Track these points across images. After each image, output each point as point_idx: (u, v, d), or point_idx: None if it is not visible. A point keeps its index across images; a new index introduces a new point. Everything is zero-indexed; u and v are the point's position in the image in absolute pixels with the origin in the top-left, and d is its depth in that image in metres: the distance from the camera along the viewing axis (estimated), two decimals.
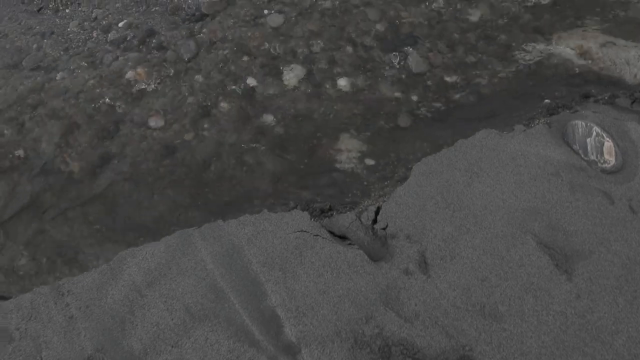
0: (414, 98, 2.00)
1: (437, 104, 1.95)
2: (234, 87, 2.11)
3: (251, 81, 2.14)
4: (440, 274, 1.38)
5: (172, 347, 1.42)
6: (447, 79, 2.01)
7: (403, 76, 2.04)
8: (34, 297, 1.61)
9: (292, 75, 2.14)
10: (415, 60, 2.08)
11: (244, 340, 1.41)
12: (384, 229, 1.53)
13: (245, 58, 2.18)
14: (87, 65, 2.24)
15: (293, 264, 1.51)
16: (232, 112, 2.04)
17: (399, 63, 2.08)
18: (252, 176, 1.86)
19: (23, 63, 2.34)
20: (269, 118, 2.02)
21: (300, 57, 2.15)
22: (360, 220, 1.57)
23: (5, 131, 2.12)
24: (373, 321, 1.34)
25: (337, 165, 1.85)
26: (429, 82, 2.02)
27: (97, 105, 2.11)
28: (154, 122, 2.06)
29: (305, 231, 1.57)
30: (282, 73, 2.15)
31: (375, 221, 1.56)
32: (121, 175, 1.92)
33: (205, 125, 2.03)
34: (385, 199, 1.63)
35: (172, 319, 1.48)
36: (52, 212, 1.86)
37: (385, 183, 1.73)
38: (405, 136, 1.86)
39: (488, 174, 1.51)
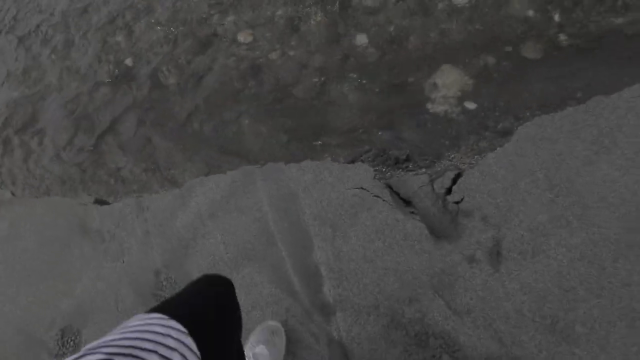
0: (556, 18, 1.77)
1: (588, 31, 1.69)
2: None
3: None
4: (513, 271, 1.37)
5: None
6: None
7: None
8: (123, 207, 2.24)
9: None
10: None
11: (285, 288, 1.72)
12: (457, 202, 1.55)
13: None
14: None
15: (345, 223, 1.69)
16: (322, 30, 2.17)
17: None
18: (332, 108, 2.01)
19: None
20: (362, 39, 2.09)
21: None
22: (433, 186, 1.62)
23: (118, 38, 2.74)
24: (417, 304, 1.46)
25: (429, 106, 1.85)
26: None
27: (193, 17, 2.51)
28: (243, 37, 2.36)
29: (365, 189, 1.71)
30: None
31: (449, 191, 1.59)
32: (208, 94, 2.32)
33: (292, 43, 2.23)
34: (471, 163, 1.61)
35: (227, 253, 1.89)
36: (150, 125, 2.41)
37: (483, 137, 1.67)
38: (527, 74, 1.71)
39: (624, 153, 1.34)
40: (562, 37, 1.74)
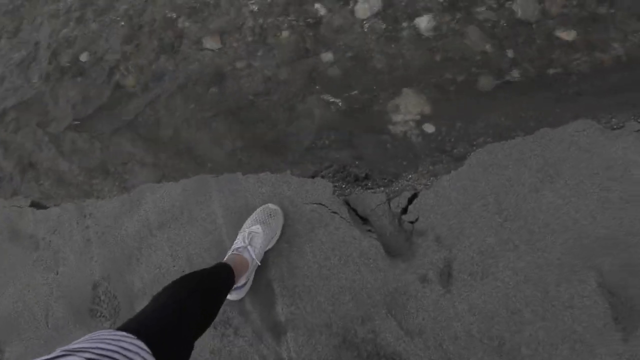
0: (509, 54, 1.86)
1: (535, 69, 1.78)
2: (298, 15, 2.17)
3: (319, 8, 2.18)
4: (462, 292, 1.38)
5: None
6: (562, 35, 1.80)
7: (502, 23, 1.88)
8: (61, 212, 2.04)
9: (365, 6, 2.13)
10: (523, 3, 1.88)
11: (234, 306, 1.62)
12: (412, 222, 1.55)
13: None
14: None
15: (302, 239, 1.64)
16: (290, 44, 2.14)
17: (499, 3, 1.91)
18: (294, 122, 1.97)
19: None
20: (328, 56, 2.07)
21: None
22: (390, 205, 1.61)
23: (75, 32, 2.54)
24: (370, 324, 1.43)
25: (390, 126, 1.86)
26: (534, 36, 1.83)
27: (160, 17, 2.39)
28: (210, 43, 2.27)
29: (323, 205, 1.67)
30: (356, 1, 2.15)
31: (405, 210, 1.58)
32: (168, 97, 2.19)
33: (259, 54, 2.17)
34: (427, 184, 1.61)
35: (174, 266, 1.76)
36: (103, 124, 2.23)
37: (440, 160, 1.70)
38: (481, 105, 1.77)
39: (567, 182, 1.40)
40: (515, 72, 1.82)
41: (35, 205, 2.14)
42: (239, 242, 1.53)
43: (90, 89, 2.37)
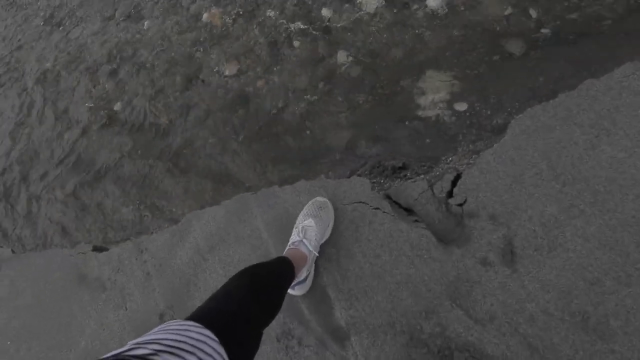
0: (533, 14, 1.70)
1: (564, 22, 1.60)
2: (306, 20, 2.13)
3: (325, 12, 2.13)
4: (531, 270, 1.23)
5: None
6: None
7: None
8: (121, 252, 2.08)
9: None
10: None
11: (294, 317, 1.56)
12: (461, 204, 1.42)
13: None
14: (169, 11, 2.56)
15: (348, 240, 1.55)
16: (304, 52, 2.09)
17: None
18: (322, 127, 1.90)
19: (116, 14, 2.82)
20: (342, 56, 2.00)
21: None
22: (433, 191, 1.49)
23: (106, 85, 2.63)
24: (435, 317, 1.31)
25: (419, 112, 1.75)
26: None
27: (178, 55, 2.42)
28: (228, 69, 2.26)
29: (364, 203, 1.57)
30: None
31: (451, 194, 1.46)
32: (199, 127, 2.20)
33: (276, 69, 2.14)
34: (469, 165, 1.48)
35: None
36: (142, 163, 2.27)
37: (479, 136, 1.56)
38: (513, 69, 1.62)
39: (626, 132, 1.22)
40: (544, 29, 1.66)
41: (97, 249, 2.19)
42: (294, 237, 1.51)
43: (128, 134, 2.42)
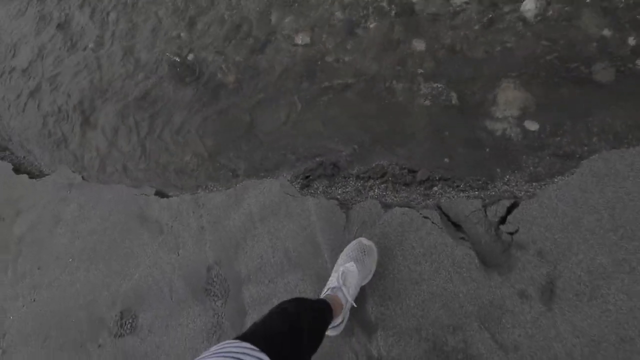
0: (631, 42, 1.63)
1: None
2: (389, 2, 2.14)
3: None
4: (566, 312, 1.30)
5: (269, 282, 1.88)
6: None
7: (621, 4, 1.66)
8: (180, 202, 2.33)
9: None
10: None
11: None
12: (511, 233, 1.49)
13: None
14: None
15: (392, 241, 1.67)
16: (379, 35, 2.11)
17: None
18: (383, 120, 1.97)
19: None
20: (420, 45, 2.02)
21: None
22: (486, 213, 1.56)
23: (182, 33, 2.81)
24: (461, 333, 1.43)
25: (487, 123, 1.77)
26: None
27: (253, 14, 2.53)
28: (301, 38, 2.35)
29: (414, 208, 1.67)
30: None
31: (504, 220, 1.52)
32: (264, 94, 2.34)
33: (348, 47, 2.19)
34: (529, 194, 1.53)
35: (273, 257, 1.92)
36: (209, 121, 2.48)
37: (543, 161, 1.58)
38: (597, 98, 1.60)
39: None
40: (638, 62, 1.60)
41: (159, 194, 2.46)
42: (333, 282, 1.51)
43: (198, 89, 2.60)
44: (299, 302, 1.19)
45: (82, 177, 2.86)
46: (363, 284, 1.58)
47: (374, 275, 1.63)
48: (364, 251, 1.58)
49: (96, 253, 2.49)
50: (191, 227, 2.23)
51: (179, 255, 2.21)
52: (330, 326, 1.44)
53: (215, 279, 2.06)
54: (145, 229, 2.37)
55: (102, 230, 2.54)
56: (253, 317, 1.86)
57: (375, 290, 1.63)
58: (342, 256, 1.61)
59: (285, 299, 1.78)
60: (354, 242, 1.63)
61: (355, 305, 1.50)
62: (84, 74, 3.17)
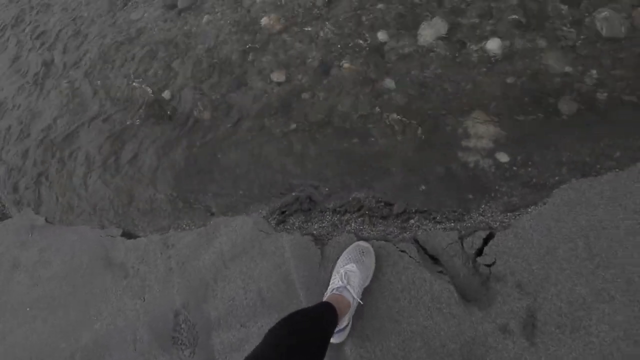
0: (593, 75, 1.71)
1: (626, 90, 1.61)
2: (361, 41, 2.20)
3: (382, 35, 2.19)
4: (549, 347, 1.26)
5: (241, 326, 1.78)
6: None
7: (579, 42, 1.74)
8: (147, 243, 2.22)
9: (430, 31, 2.10)
10: (609, 18, 1.73)
11: None
12: (489, 265, 1.46)
13: (380, 5, 2.22)
14: (229, 10, 2.70)
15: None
16: (353, 73, 2.16)
17: (576, 20, 1.78)
18: (358, 153, 1.97)
19: (178, 4, 2.98)
20: (390, 83, 2.06)
21: (448, 6, 2.06)
22: (462, 245, 1.53)
23: (159, 71, 2.79)
24: None
25: (459, 154, 1.78)
26: (621, 55, 1.67)
27: (230, 54, 2.55)
28: (277, 76, 2.37)
29: (390, 242, 1.63)
30: (419, 27, 2.12)
31: (480, 252, 1.50)
32: (240, 129, 2.32)
33: (324, 84, 2.22)
34: (504, 224, 1.52)
35: (246, 299, 1.83)
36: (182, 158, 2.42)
37: (516, 192, 1.59)
38: (563, 130, 1.64)
39: None
40: (602, 94, 1.67)
41: (126, 234, 2.35)
42: (337, 282, 1.48)
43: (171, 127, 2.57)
44: (293, 322, 1.12)
45: (46, 219, 2.72)
46: (364, 285, 1.53)
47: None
48: (362, 252, 1.57)
49: (55, 300, 2.32)
50: (158, 269, 2.12)
51: (144, 300, 2.08)
52: (335, 330, 1.36)
53: (182, 326, 1.93)
54: (109, 273, 2.24)
55: (62, 275, 2.38)
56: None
57: (354, 329, 1.55)
58: (341, 260, 1.60)
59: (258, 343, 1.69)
60: (351, 246, 1.63)
61: (362, 303, 1.46)
62: (52, 111, 3.10)
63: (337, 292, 1.43)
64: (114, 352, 2.00)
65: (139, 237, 2.31)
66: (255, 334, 1.73)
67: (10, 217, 2.87)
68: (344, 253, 1.62)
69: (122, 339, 2.02)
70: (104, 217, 2.49)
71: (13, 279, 2.52)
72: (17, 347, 2.25)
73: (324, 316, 1.27)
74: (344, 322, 1.43)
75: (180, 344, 1.89)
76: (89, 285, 2.25)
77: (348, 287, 1.43)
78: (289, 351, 0.96)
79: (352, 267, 1.49)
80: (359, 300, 1.44)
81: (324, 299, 1.49)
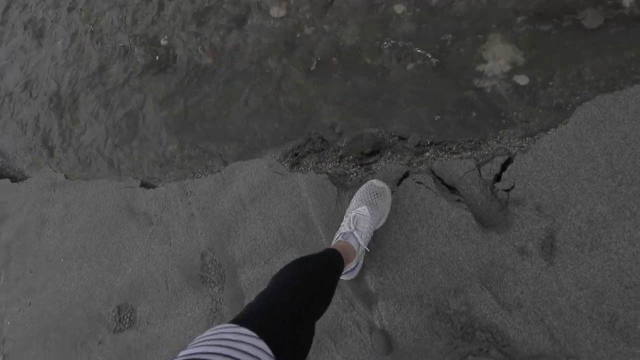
0: None
1: None
2: None
3: None
4: (568, 265, 1.29)
5: (265, 262, 1.86)
6: None
7: None
8: (167, 191, 2.28)
9: None
10: None
11: None
12: (507, 190, 1.46)
13: None
14: None
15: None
16: (358, 1, 2.06)
17: None
18: (368, 82, 1.92)
19: None
20: (399, 8, 1.96)
21: None
22: (480, 172, 1.53)
23: (154, 17, 2.71)
24: (463, 296, 1.42)
25: (476, 81, 1.73)
26: None
27: None
28: (276, 11, 2.28)
29: (406, 176, 1.64)
30: None
31: (499, 178, 1.49)
32: (242, 74, 2.28)
33: (327, 17, 2.13)
34: (523, 149, 1.50)
35: (267, 237, 1.89)
36: (189, 105, 2.41)
37: (535, 114, 1.55)
38: (586, 46, 1.55)
39: None
40: (626, 2, 1.55)
41: (145, 185, 2.41)
42: (344, 227, 1.44)
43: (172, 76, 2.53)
44: (301, 266, 1.11)
45: (65, 176, 2.80)
46: (376, 227, 1.51)
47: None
48: (377, 194, 1.51)
49: (87, 251, 2.45)
50: (180, 215, 2.20)
51: (170, 245, 2.18)
52: (344, 272, 1.37)
53: (210, 266, 2.04)
54: (134, 222, 2.33)
55: (90, 227, 2.50)
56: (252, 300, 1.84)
57: (373, 260, 1.61)
58: (354, 200, 1.54)
59: None
60: (365, 185, 1.56)
61: (368, 250, 1.46)
62: (57, 67, 3.07)
63: (343, 239, 1.41)
64: (149, 292, 2.14)
65: (157, 187, 2.37)
66: (279, 267, 1.81)
67: (30, 176, 2.96)
68: (357, 193, 1.57)
69: (154, 281, 2.15)
70: (121, 170, 2.54)
71: (44, 234, 2.65)
72: (59, 293, 2.42)
73: (330, 260, 1.24)
74: (351, 265, 1.41)
75: (209, 282, 2.00)
76: (116, 235, 2.36)
77: (355, 233, 1.40)
78: (296, 299, 0.93)
79: (363, 210, 1.45)
80: (365, 247, 1.43)
81: (333, 242, 1.49)
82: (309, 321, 0.93)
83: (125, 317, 2.20)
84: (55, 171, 2.83)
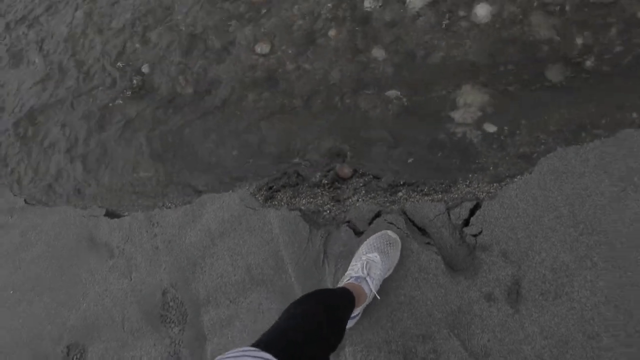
0: (579, 42, 1.71)
1: (612, 57, 1.62)
2: (346, 9, 2.16)
3: (367, 2, 2.15)
4: (533, 313, 1.31)
5: (230, 302, 1.80)
6: None
7: (567, 7, 1.73)
8: (132, 221, 2.21)
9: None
10: None
11: None
12: (475, 235, 1.49)
13: None
14: None
15: (357, 249, 1.63)
16: (340, 43, 2.13)
17: None
18: (345, 123, 1.96)
19: None
20: (379, 53, 2.04)
21: None
22: (450, 216, 1.56)
23: (137, 45, 2.72)
24: (431, 343, 1.40)
25: (447, 125, 1.79)
26: (610, 19, 1.67)
27: (212, 24, 2.48)
28: (260, 47, 2.32)
29: (379, 216, 1.65)
30: None
31: (467, 222, 1.52)
32: (222, 106, 2.29)
33: (309, 56, 2.19)
34: (490, 194, 1.54)
35: (235, 275, 1.85)
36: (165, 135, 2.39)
37: (503, 161, 1.61)
38: (551, 99, 1.65)
39: None
40: (589, 61, 1.67)
41: (110, 214, 2.33)
42: (357, 271, 1.43)
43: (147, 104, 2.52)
44: (318, 298, 1.13)
45: (25, 201, 2.68)
46: (385, 277, 1.50)
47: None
48: (390, 243, 1.51)
49: (40, 283, 2.32)
50: (144, 248, 2.12)
51: (131, 279, 2.09)
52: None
53: (171, 304, 1.95)
54: (94, 253, 2.23)
55: (46, 257, 2.37)
56: (214, 343, 1.77)
57: None
58: (365, 246, 1.54)
59: (248, 319, 1.72)
60: (378, 233, 1.56)
61: (379, 298, 1.44)
62: (31, 87, 3.01)
63: (356, 282, 1.40)
64: (103, 331, 2.02)
65: (122, 216, 2.30)
66: (245, 309, 1.76)
67: None
68: (370, 239, 1.56)
69: (110, 319, 2.03)
70: (85, 197, 2.46)
71: None
72: (3, 331, 2.25)
73: (344, 299, 1.25)
74: (357, 310, 1.41)
75: (169, 321, 1.91)
76: (74, 267, 2.24)
77: (368, 278, 1.39)
78: (314, 330, 0.97)
79: (375, 257, 1.44)
80: (375, 294, 1.41)
81: (341, 283, 1.48)
82: (318, 353, 0.97)
83: (74, 358, 2.05)
84: (15, 195, 2.71)
